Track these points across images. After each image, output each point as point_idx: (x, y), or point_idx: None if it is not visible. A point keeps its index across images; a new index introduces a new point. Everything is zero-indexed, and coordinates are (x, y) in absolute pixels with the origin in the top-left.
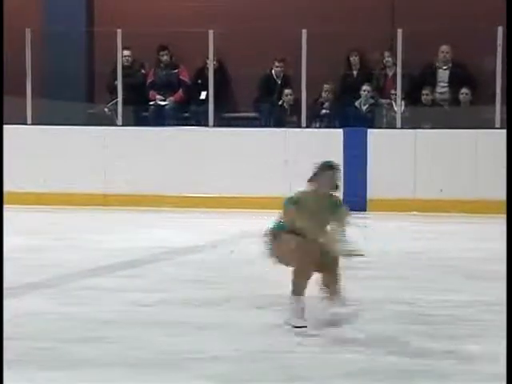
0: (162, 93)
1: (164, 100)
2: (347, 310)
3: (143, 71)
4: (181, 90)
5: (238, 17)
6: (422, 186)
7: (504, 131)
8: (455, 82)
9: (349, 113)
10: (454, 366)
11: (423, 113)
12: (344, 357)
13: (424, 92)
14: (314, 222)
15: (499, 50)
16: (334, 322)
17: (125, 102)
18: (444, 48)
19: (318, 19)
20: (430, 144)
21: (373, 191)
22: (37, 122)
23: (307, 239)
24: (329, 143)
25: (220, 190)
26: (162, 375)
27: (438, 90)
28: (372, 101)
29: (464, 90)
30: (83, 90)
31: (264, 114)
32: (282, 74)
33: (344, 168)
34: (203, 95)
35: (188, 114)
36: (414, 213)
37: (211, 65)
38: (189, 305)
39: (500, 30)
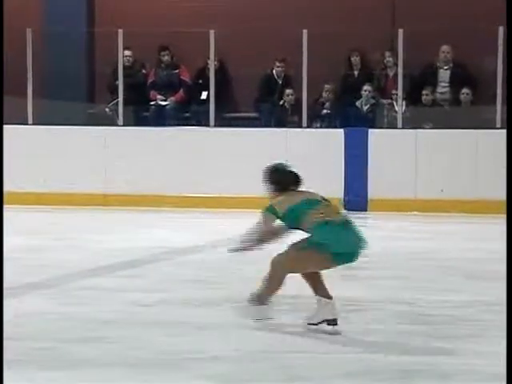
0: (163, 93)
1: (165, 100)
2: (346, 309)
3: (144, 71)
4: (181, 90)
5: (238, 17)
6: (423, 186)
7: (504, 131)
8: (456, 82)
9: (350, 113)
10: (454, 366)
11: (424, 113)
12: (344, 357)
13: (424, 92)
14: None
15: (500, 50)
16: (333, 322)
17: (125, 102)
18: (445, 48)
19: (318, 19)
20: (430, 144)
21: (373, 191)
22: (37, 122)
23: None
24: (329, 143)
25: (220, 190)
26: (162, 375)
27: (439, 90)
28: (373, 101)
29: (465, 90)
30: (84, 90)
31: (265, 114)
32: (282, 74)
33: (345, 168)
34: (204, 95)
35: (189, 114)
36: (415, 213)
37: (212, 65)
38: (189, 305)
39: (501, 30)
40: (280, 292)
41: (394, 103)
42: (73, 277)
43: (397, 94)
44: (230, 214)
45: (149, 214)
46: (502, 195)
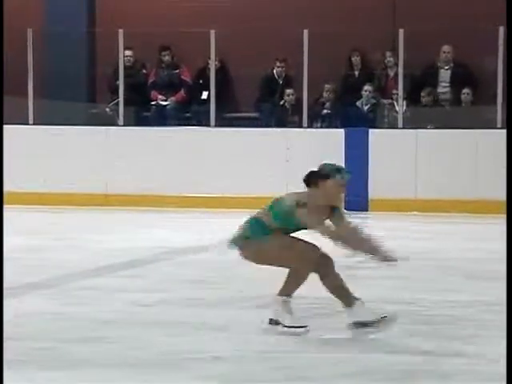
0: (164, 93)
1: (165, 100)
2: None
3: (144, 71)
4: (182, 90)
5: (239, 17)
6: (423, 186)
7: (505, 131)
8: (456, 82)
9: (350, 113)
10: (454, 366)
11: (424, 113)
12: (344, 357)
13: (423, 94)
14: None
15: (500, 49)
16: (333, 322)
17: (126, 102)
18: (445, 48)
19: (319, 19)
20: (431, 144)
21: (374, 191)
22: (38, 121)
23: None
24: (330, 143)
25: (221, 189)
26: (162, 375)
27: (440, 90)
28: (373, 101)
29: (465, 90)
30: (85, 90)
31: (265, 113)
32: (283, 74)
33: (345, 168)
34: (205, 95)
35: (189, 114)
36: (415, 213)
37: (213, 65)
38: (189, 305)
39: (501, 30)
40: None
41: (395, 103)
42: (73, 277)
43: (397, 94)
44: (231, 213)
45: (149, 213)
46: (503, 195)
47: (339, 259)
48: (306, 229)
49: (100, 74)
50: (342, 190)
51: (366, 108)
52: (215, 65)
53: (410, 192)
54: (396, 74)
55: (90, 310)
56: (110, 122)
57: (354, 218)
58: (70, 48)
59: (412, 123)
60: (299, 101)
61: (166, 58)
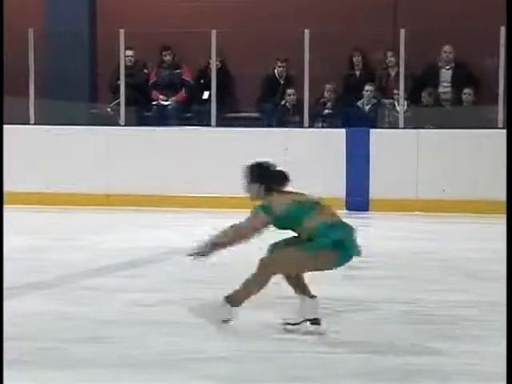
0: (165, 93)
1: (166, 100)
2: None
3: (146, 71)
4: (183, 90)
5: (240, 17)
6: (424, 185)
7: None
8: (458, 82)
9: (351, 113)
10: (454, 366)
11: (426, 113)
12: (344, 357)
13: (423, 94)
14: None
15: (502, 49)
16: (334, 322)
17: (127, 102)
18: (446, 48)
19: (320, 19)
20: (432, 144)
21: (375, 191)
22: (39, 121)
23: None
24: (331, 143)
25: (221, 189)
26: (162, 375)
27: (441, 89)
28: (374, 101)
29: (467, 90)
30: (86, 90)
31: (266, 113)
32: (284, 74)
33: (346, 168)
34: (206, 95)
35: (190, 113)
36: (416, 213)
37: (214, 65)
38: (189, 305)
39: (503, 30)
40: (280, 292)
41: (396, 103)
42: (73, 277)
43: (398, 94)
44: (232, 213)
45: (150, 213)
46: (504, 195)
47: None
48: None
49: (101, 74)
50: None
51: (367, 108)
52: (216, 65)
53: (411, 192)
54: (397, 74)
55: (91, 309)
56: (111, 121)
57: (355, 218)
58: (71, 48)
59: (413, 123)
60: (300, 101)
61: (167, 58)
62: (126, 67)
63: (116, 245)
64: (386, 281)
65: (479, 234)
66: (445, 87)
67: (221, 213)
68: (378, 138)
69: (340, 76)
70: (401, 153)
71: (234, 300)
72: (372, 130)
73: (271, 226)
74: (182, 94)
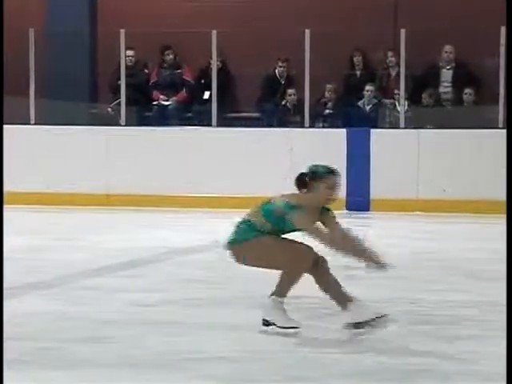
0: (165, 93)
1: (167, 100)
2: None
3: (146, 71)
4: (184, 90)
5: (241, 17)
6: (425, 186)
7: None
8: (458, 82)
9: (352, 113)
10: (454, 367)
11: (426, 113)
12: (344, 357)
13: (424, 95)
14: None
15: (502, 49)
16: (333, 322)
17: (128, 102)
18: (447, 48)
19: (321, 19)
20: (432, 144)
21: (376, 191)
22: (40, 121)
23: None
24: (332, 143)
25: (222, 189)
26: (162, 375)
27: (441, 89)
28: (375, 101)
29: (467, 90)
30: (86, 90)
31: (267, 113)
32: (285, 74)
33: (347, 168)
34: (206, 95)
35: (191, 113)
36: (417, 213)
37: (214, 65)
38: (189, 305)
39: (503, 30)
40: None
41: (396, 103)
42: (73, 277)
43: (399, 94)
44: (232, 213)
45: (150, 213)
46: (504, 195)
47: (338, 259)
48: (298, 231)
49: (101, 74)
50: (335, 191)
51: (367, 108)
52: (217, 65)
53: (412, 192)
54: (398, 74)
55: (91, 309)
56: (112, 121)
57: (355, 218)
58: (72, 48)
59: (414, 123)
60: (301, 101)
61: (169, 58)
62: (127, 67)
63: (116, 245)
64: (386, 281)
65: (479, 233)
66: (445, 87)
67: (221, 213)
68: (379, 138)
69: (341, 76)
70: (401, 153)
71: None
72: (373, 130)
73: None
74: (183, 93)
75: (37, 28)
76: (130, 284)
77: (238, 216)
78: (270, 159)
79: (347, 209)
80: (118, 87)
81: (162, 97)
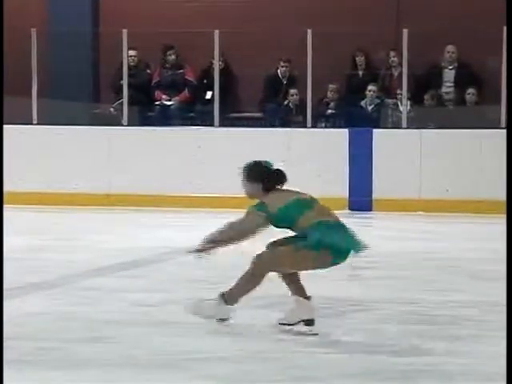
0: (168, 93)
1: (169, 100)
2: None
3: (148, 71)
4: (186, 90)
5: (243, 17)
6: (427, 185)
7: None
8: (461, 82)
9: (354, 113)
10: (455, 367)
11: (428, 113)
12: (345, 357)
13: (426, 97)
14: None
15: (504, 49)
16: (334, 322)
17: (130, 102)
18: (450, 48)
19: (323, 19)
20: (435, 144)
21: (378, 191)
22: (42, 121)
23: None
24: (334, 143)
25: (224, 190)
26: (163, 375)
27: (444, 89)
28: (377, 101)
29: (470, 91)
30: (88, 90)
31: (269, 114)
32: (287, 74)
33: (349, 168)
34: (209, 95)
35: (193, 113)
36: (419, 213)
37: (217, 65)
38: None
39: (505, 30)
40: (280, 292)
41: (399, 103)
42: (74, 277)
43: (401, 94)
44: (233, 214)
45: (152, 213)
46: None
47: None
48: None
49: (104, 74)
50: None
51: (370, 108)
52: (219, 65)
53: (414, 192)
54: (400, 74)
55: (92, 309)
56: (114, 121)
57: (357, 219)
58: (74, 48)
59: (416, 123)
60: (303, 101)
61: (172, 58)
62: (129, 67)
63: (117, 245)
64: (387, 281)
65: (482, 234)
66: (448, 87)
67: (222, 213)
68: (381, 137)
69: (343, 76)
70: (404, 153)
71: (230, 298)
72: (375, 130)
73: (268, 224)
74: (185, 94)
75: (39, 28)
76: (132, 284)
77: (237, 216)
78: (272, 159)
79: (350, 209)
80: (120, 87)
81: (164, 97)
